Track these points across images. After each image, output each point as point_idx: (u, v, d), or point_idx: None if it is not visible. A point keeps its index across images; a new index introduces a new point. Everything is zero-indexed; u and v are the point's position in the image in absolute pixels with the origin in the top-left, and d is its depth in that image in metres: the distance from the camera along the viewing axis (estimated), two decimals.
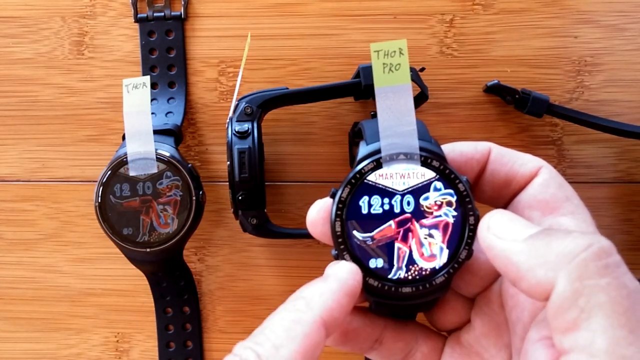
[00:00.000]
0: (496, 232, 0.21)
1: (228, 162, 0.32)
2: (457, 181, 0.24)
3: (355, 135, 0.35)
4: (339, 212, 0.24)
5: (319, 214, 0.25)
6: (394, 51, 0.25)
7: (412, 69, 0.34)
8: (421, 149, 0.24)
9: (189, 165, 0.33)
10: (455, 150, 0.25)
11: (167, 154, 0.33)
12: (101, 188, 0.32)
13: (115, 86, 0.38)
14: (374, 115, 0.28)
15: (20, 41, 0.39)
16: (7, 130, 0.39)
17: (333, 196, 0.25)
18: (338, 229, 0.24)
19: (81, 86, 0.39)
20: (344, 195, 0.24)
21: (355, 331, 0.25)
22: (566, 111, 0.35)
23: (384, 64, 0.25)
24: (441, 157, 0.25)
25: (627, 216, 0.38)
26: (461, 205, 0.24)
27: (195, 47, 0.38)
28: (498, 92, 0.36)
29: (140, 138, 0.32)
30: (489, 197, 0.26)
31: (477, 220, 0.24)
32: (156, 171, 0.32)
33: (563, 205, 0.23)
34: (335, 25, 0.38)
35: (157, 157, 0.33)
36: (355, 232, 0.24)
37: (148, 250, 0.32)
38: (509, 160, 0.25)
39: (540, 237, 0.20)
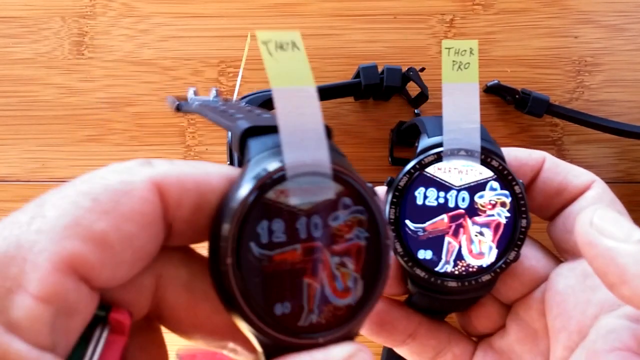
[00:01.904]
0: (601, 229, 0.20)
1: (228, 162, 0.32)
2: (514, 183, 0.24)
3: (399, 135, 0.36)
4: (394, 200, 0.24)
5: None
6: (465, 50, 0.25)
7: (412, 69, 0.34)
8: (482, 147, 0.24)
9: (369, 185, 0.19)
10: (510, 154, 0.26)
11: (344, 168, 0.18)
12: (235, 231, 0.16)
13: (115, 86, 0.38)
14: (417, 115, 0.28)
15: (20, 41, 0.39)
16: (7, 130, 0.39)
17: (390, 184, 0.25)
18: (392, 216, 0.24)
19: (81, 86, 0.39)
20: (402, 184, 0.24)
21: (392, 323, 0.26)
22: (566, 111, 0.35)
23: (453, 61, 0.25)
24: (501, 158, 0.25)
25: None
26: (515, 208, 0.24)
27: (195, 47, 0.38)
28: (498, 92, 0.36)
29: (306, 138, 0.18)
30: (537, 206, 0.26)
31: (529, 224, 0.24)
32: (331, 196, 0.18)
33: None
34: (335, 25, 0.37)
35: (334, 172, 0.18)
36: (407, 222, 0.24)
37: (321, 340, 0.17)
38: (563, 170, 0.25)
39: None
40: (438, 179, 0.24)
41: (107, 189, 0.15)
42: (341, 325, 0.17)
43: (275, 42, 0.19)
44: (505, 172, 0.24)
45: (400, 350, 0.27)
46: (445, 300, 0.25)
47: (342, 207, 0.18)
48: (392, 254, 0.19)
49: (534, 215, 0.26)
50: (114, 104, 0.39)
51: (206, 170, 0.17)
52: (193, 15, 0.38)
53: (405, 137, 0.36)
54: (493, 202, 0.24)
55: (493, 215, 0.24)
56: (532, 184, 0.26)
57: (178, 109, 0.26)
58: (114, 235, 0.15)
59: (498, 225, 0.24)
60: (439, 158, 0.25)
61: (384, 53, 0.37)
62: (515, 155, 0.26)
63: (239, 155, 0.19)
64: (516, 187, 0.24)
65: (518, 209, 0.24)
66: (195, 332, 0.18)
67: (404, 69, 0.34)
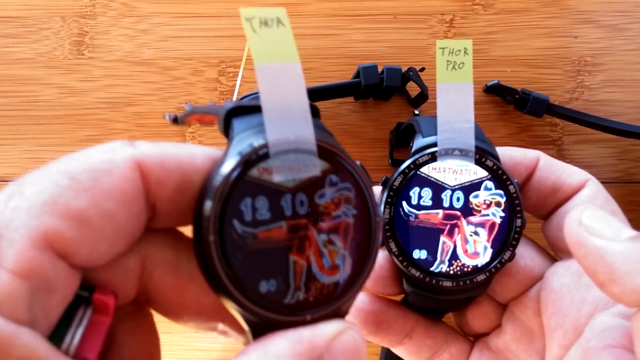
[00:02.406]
0: (590, 228, 0.20)
1: None
2: (509, 183, 0.24)
3: (399, 136, 0.36)
4: (389, 200, 0.24)
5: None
6: (459, 50, 0.25)
7: (412, 69, 0.34)
8: (476, 147, 0.25)
9: (358, 163, 0.19)
10: (504, 154, 0.26)
11: (331, 146, 0.18)
12: (218, 208, 0.16)
13: (115, 86, 0.38)
14: (417, 115, 0.28)
15: (20, 41, 0.39)
16: (7, 130, 0.39)
17: (384, 184, 0.25)
18: (387, 216, 0.24)
19: (81, 86, 0.39)
20: (396, 184, 0.25)
21: (389, 322, 0.26)
22: (566, 111, 0.35)
23: (447, 61, 0.25)
24: (495, 158, 0.25)
25: (627, 216, 0.38)
26: (510, 207, 0.24)
27: (195, 47, 0.38)
28: (498, 92, 0.36)
29: (289, 115, 0.18)
30: (532, 205, 0.26)
31: (524, 224, 0.24)
32: (316, 174, 0.18)
33: None
34: (335, 25, 0.38)
35: (319, 149, 0.18)
36: (403, 203, 0.24)
37: (308, 317, 0.17)
38: (557, 169, 0.25)
39: None
40: (433, 179, 0.25)
41: (87, 168, 0.15)
42: (329, 303, 0.17)
43: (259, 19, 0.19)
44: (500, 171, 0.24)
45: (397, 350, 0.27)
46: (440, 300, 0.25)
47: (329, 184, 0.18)
48: (381, 231, 0.18)
49: (528, 214, 0.26)
50: (114, 104, 0.39)
51: (190, 151, 0.17)
52: (193, 15, 0.38)
53: (404, 138, 0.36)
54: (488, 202, 0.24)
55: (488, 215, 0.24)
56: (526, 183, 0.26)
57: (175, 121, 0.26)
58: (92, 212, 0.15)
59: (493, 225, 0.24)
60: (433, 158, 0.25)
61: (384, 53, 0.37)
62: (509, 154, 0.26)
63: (225, 136, 0.19)
64: (511, 187, 0.24)
65: (513, 208, 0.24)
66: (184, 314, 0.18)
67: (404, 69, 0.34)
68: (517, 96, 0.35)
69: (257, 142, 0.17)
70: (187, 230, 0.17)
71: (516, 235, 0.24)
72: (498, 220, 0.24)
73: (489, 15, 0.37)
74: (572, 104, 0.37)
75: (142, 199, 0.16)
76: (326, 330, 0.16)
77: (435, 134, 0.25)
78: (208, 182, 0.16)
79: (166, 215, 0.17)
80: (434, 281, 0.24)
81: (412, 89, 0.35)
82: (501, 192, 0.24)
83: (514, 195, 0.24)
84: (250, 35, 0.19)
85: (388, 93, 0.35)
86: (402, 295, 0.27)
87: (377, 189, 0.26)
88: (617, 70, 0.37)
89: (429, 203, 0.24)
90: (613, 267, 0.18)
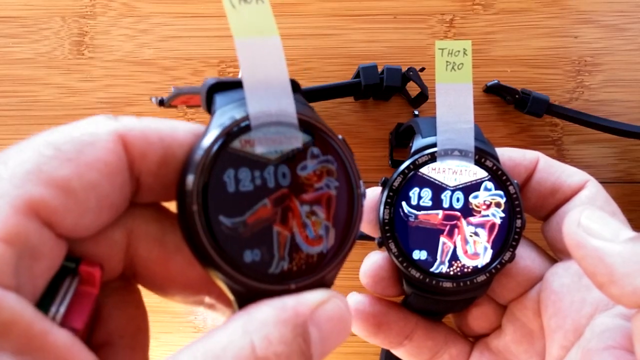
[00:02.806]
0: (588, 229, 0.20)
1: None
2: (509, 183, 0.24)
3: (399, 137, 0.36)
4: (389, 200, 0.24)
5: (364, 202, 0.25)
6: (458, 51, 0.25)
7: (412, 69, 0.34)
8: (476, 148, 0.24)
9: (340, 137, 0.19)
10: (504, 154, 0.26)
11: (313, 120, 0.18)
12: (201, 179, 0.16)
13: (115, 86, 0.38)
14: (416, 115, 0.28)
15: (20, 41, 0.39)
16: (7, 130, 0.39)
17: (384, 184, 0.25)
18: (386, 216, 0.24)
19: (81, 86, 0.39)
20: (396, 184, 0.24)
21: (389, 324, 0.26)
22: (566, 111, 0.35)
23: (447, 62, 0.25)
24: (495, 158, 0.25)
25: (627, 216, 0.37)
26: (510, 208, 0.24)
27: (195, 47, 0.38)
28: (498, 92, 0.36)
29: (270, 88, 0.18)
30: (532, 206, 0.26)
31: (524, 224, 0.24)
32: (298, 146, 0.18)
33: None
34: (335, 25, 0.37)
35: (299, 123, 0.18)
36: (403, 203, 0.24)
37: (293, 286, 0.17)
38: (557, 170, 0.25)
39: None
40: (432, 179, 0.24)
41: (71, 139, 0.15)
42: (313, 273, 0.18)
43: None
44: (500, 172, 0.24)
45: (397, 352, 0.27)
46: (440, 301, 0.25)
47: (311, 156, 0.18)
48: (364, 203, 0.19)
49: (528, 215, 0.26)
50: (114, 104, 0.39)
51: (172, 125, 0.17)
52: (193, 15, 0.38)
53: (403, 139, 0.36)
54: (488, 203, 0.24)
55: (488, 215, 0.24)
56: (526, 184, 0.26)
57: (161, 103, 0.26)
58: (76, 182, 0.15)
59: (493, 225, 0.24)
60: (433, 158, 0.24)
61: (384, 53, 0.37)
62: (509, 155, 0.26)
63: (208, 112, 0.19)
64: (510, 188, 0.24)
65: (513, 209, 0.24)
66: (171, 287, 0.18)
67: (404, 69, 0.34)
68: (517, 96, 0.35)
69: (238, 114, 0.17)
70: (173, 207, 0.18)
71: (516, 236, 0.24)
72: (498, 221, 0.24)
73: (489, 15, 0.37)
74: (572, 104, 0.37)
75: (125, 171, 0.16)
76: (310, 298, 0.16)
77: (435, 135, 0.25)
78: (190, 156, 0.17)
79: (150, 189, 0.17)
80: (434, 282, 0.24)
81: (412, 89, 0.35)
82: (501, 192, 0.24)
83: (514, 196, 0.24)
84: (229, 10, 0.18)
85: (388, 93, 0.35)
86: (402, 297, 0.27)
87: (376, 190, 0.26)
88: (617, 70, 0.37)
89: (429, 203, 0.24)
90: (612, 269, 0.18)
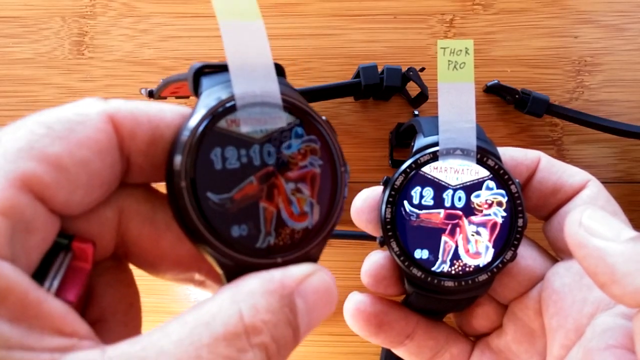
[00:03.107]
0: (590, 229, 0.20)
1: None
2: (510, 182, 0.24)
3: (399, 136, 0.36)
4: (390, 199, 0.24)
5: (365, 202, 0.25)
6: (461, 50, 0.25)
7: (412, 69, 0.34)
8: (478, 147, 0.24)
9: (324, 118, 0.20)
10: (506, 154, 0.26)
11: (297, 101, 0.19)
12: (189, 157, 0.17)
13: (115, 86, 0.38)
14: (416, 115, 0.27)
15: (20, 41, 0.39)
16: None
17: (386, 184, 0.25)
18: (388, 215, 0.24)
19: (81, 86, 0.39)
20: (398, 183, 0.24)
21: (390, 323, 0.26)
22: (566, 111, 0.35)
23: (449, 61, 0.25)
24: (497, 157, 0.25)
25: (628, 216, 0.37)
26: (511, 207, 0.24)
27: (195, 47, 0.38)
28: (498, 92, 0.36)
29: (254, 70, 0.19)
30: (533, 205, 0.26)
31: (525, 224, 0.24)
32: (283, 126, 0.19)
33: None
34: (335, 25, 0.38)
35: (284, 104, 0.19)
36: (405, 202, 0.24)
37: (279, 260, 0.18)
38: (558, 170, 0.25)
39: None
40: (434, 178, 0.25)
41: (62, 119, 0.16)
42: (299, 247, 0.18)
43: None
44: (502, 171, 0.24)
45: (398, 351, 0.27)
46: (442, 300, 0.25)
47: (295, 136, 0.19)
48: (347, 180, 0.19)
49: (529, 214, 0.26)
50: None
51: (160, 107, 0.18)
52: (193, 15, 0.38)
53: (404, 139, 0.36)
54: (489, 202, 0.24)
55: (489, 214, 0.24)
56: (527, 183, 0.26)
57: (151, 94, 0.27)
58: (68, 159, 0.15)
59: (494, 224, 0.24)
60: (434, 157, 0.24)
61: (384, 53, 0.37)
62: (510, 154, 0.26)
63: (195, 95, 0.19)
64: (512, 187, 0.24)
65: (514, 208, 0.24)
66: (162, 265, 0.19)
67: (404, 69, 0.34)
68: (517, 96, 0.35)
69: (224, 95, 0.18)
70: (163, 188, 0.18)
71: (518, 235, 0.24)
72: (500, 220, 0.24)
73: (489, 15, 0.37)
74: (572, 104, 0.37)
75: (115, 150, 0.17)
76: (296, 271, 0.17)
77: (437, 134, 0.25)
78: (178, 136, 0.17)
79: (140, 169, 0.18)
80: (435, 281, 0.24)
81: (412, 89, 0.35)
82: (503, 191, 0.24)
83: (516, 195, 0.24)
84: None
85: (388, 93, 0.35)
86: (403, 296, 0.27)
87: (378, 189, 0.26)
88: (617, 70, 0.37)
89: (431, 202, 0.24)
90: (613, 268, 0.18)
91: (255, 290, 0.16)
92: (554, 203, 0.25)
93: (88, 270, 0.17)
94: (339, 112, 0.38)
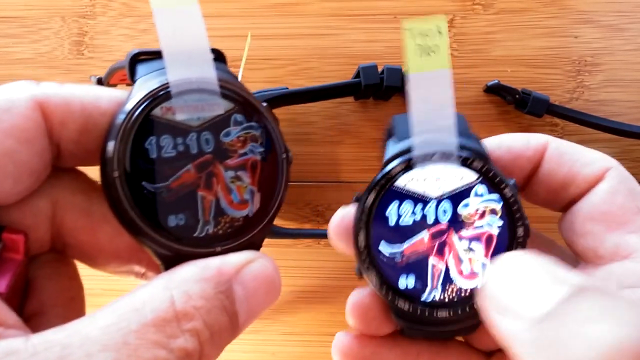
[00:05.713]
0: (499, 303, 0.16)
1: None
2: (503, 185, 0.21)
3: (390, 135, 0.34)
4: (362, 223, 0.21)
5: (341, 225, 0.21)
6: (431, 29, 0.20)
7: None
8: (460, 146, 0.21)
9: (264, 104, 0.20)
10: (502, 146, 0.22)
11: (236, 87, 0.19)
12: (122, 146, 0.17)
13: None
14: None
15: (20, 41, 0.39)
16: None
17: (357, 202, 0.21)
18: (362, 242, 0.20)
19: None
20: (369, 202, 0.21)
21: None
22: (566, 111, 0.35)
23: (418, 45, 0.20)
24: (484, 157, 0.21)
25: None
26: (507, 214, 0.20)
27: None
28: (498, 92, 0.36)
29: (190, 56, 0.18)
30: (543, 200, 0.23)
31: (527, 231, 0.20)
32: (220, 113, 0.18)
33: (633, 219, 0.20)
34: (335, 25, 0.37)
35: (221, 90, 0.19)
36: (381, 247, 0.21)
37: (218, 249, 0.18)
38: (570, 159, 0.21)
39: (560, 316, 0.14)
40: (411, 192, 0.21)
41: None
42: (240, 236, 0.18)
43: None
44: (491, 173, 0.21)
45: None
46: (438, 332, 0.21)
47: (234, 123, 0.18)
48: (288, 166, 0.19)
49: (542, 207, 0.23)
50: None
51: (96, 93, 0.17)
52: None
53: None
54: (481, 211, 0.21)
55: (482, 226, 0.21)
56: (532, 177, 0.22)
57: (100, 82, 0.27)
58: None
59: (490, 237, 0.21)
60: (409, 166, 0.21)
61: (384, 53, 0.37)
62: (508, 145, 0.22)
63: (132, 82, 0.19)
64: (506, 190, 0.20)
65: (511, 215, 0.20)
66: (100, 258, 0.19)
67: (404, 69, 0.34)
68: (517, 96, 0.35)
69: (158, 82, 0.18)
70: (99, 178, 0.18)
71: (519, 247, 0.20)
72: (495, 231, 0.21)
73: (489, 15, 0.37)
74: (572, 104, 0.37)
75: (44, 138, 0.16)
76: (235, 258, 0.16)
77: (411, 137, 0.21)
78: (112, 123, 0.17)
79: (72, 155, 0.17)
80: (427, 312, 0.20)
81: None
82: (495, 196, 0.21)
83: (511, 199, 0.20)
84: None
85: (388, 93, 0.35)
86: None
87: (349, 209, 0.22)
88: (617, 70, 0.37)
89: (409, 222, 0.21)
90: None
91: (189, 277, 0.16)
92: (567, 198, 0.22)
93: (19, 261, 0.17)
94: (338, 112, 0.38)
